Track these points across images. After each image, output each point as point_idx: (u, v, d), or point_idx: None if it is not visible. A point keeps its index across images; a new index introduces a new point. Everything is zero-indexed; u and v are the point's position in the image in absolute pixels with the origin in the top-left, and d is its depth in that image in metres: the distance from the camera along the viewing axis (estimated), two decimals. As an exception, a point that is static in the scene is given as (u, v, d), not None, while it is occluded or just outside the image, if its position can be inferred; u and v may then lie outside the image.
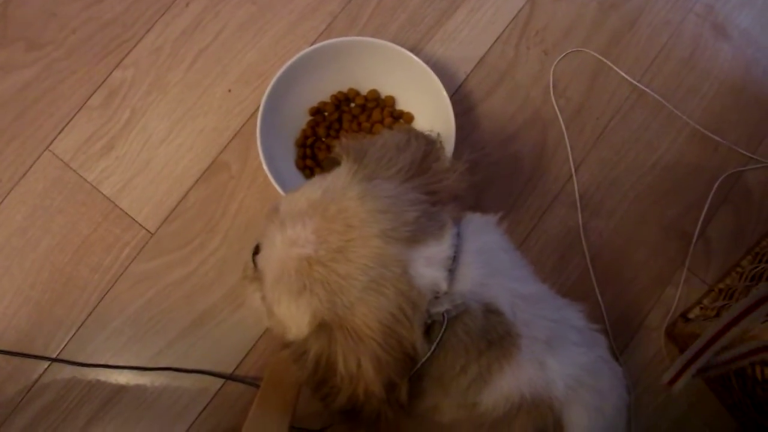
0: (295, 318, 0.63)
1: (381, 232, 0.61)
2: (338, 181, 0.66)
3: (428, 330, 0.62)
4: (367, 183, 0.65)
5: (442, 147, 0.75)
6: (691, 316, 1.14)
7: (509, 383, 0.67)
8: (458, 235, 0.66)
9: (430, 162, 0.70)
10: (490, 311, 0.65)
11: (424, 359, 0.62)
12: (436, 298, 0.62)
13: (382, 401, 0.61)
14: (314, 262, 0.61)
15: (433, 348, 0.62)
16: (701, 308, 1.14)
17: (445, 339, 0.62)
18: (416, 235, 0.63)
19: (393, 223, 0.62)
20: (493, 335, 0.65)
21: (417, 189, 0.67)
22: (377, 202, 0.63)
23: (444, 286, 0.62)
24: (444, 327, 0.61)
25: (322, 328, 0.61)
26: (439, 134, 0.77)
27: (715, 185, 1.19)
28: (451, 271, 0.63)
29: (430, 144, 0.73)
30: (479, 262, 0.66)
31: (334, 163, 0.72)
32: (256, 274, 0.73)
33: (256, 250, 0.71)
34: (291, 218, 0.63)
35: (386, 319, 0.60)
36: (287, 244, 0.62)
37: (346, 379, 0.60)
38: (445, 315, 0.61)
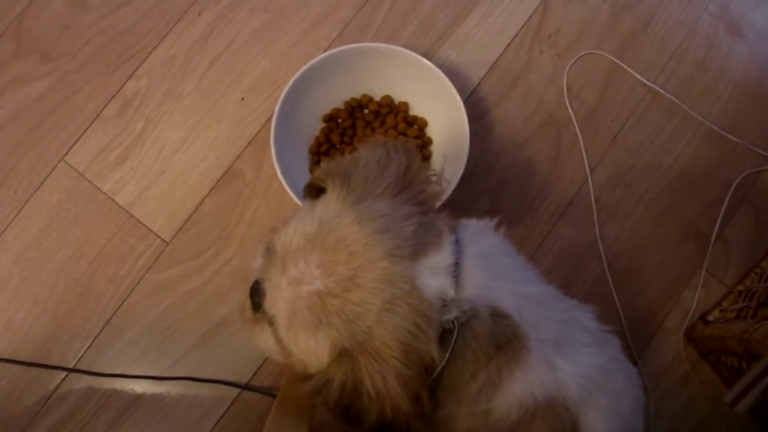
0: (315, 352, 0.63)
1: (385, 252, 0.61)
2: (329, 209, 0.65)
3: (441, 339, 0.62)
4: (359, 206, 0.64)
5: (418, 154, 0.74)
6: (710, 318, 1.12)
7: (521, 387, 0.66)
8: (457, 242, 0.66)
9: (413, 173, 0.70)
10: (498, 315, 0.64)
11: (440, 368, 0.61)
12: (444, 306, 0.62)
13: (411, 415, 0.60)
14: (325, 295, 0.60)
15: (447, 356, 0.62)
16: (721, 310, 1.13)
17: (455, 346, 0.62)
18: (418, 249, 0.63)
19: (394, 241, 0.62)
20: (502, 338, 0.65)
21: (407, 202, 0.67)
22: (375, 224, 0.62)
23: (451, 293, 0.62)
24: (455, 334, 0.61)
25: (344, 355, 0.61)
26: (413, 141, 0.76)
27: (733, 186, 1.18)
28: (455, 277, 0.63)
29: (409, 154, 0.72)
30: (481, 266, 0.66)
31: (315, 188, 0.72)
32: (257, 316, 0.72)
33: (253, 291, 0.70)
34: (291, 257, 0.63)
35: (404, 337, 0.59)
36: (293, 284, 0.62)
37: (374, 399, 0.60)
38: (455, 322, 0.61)
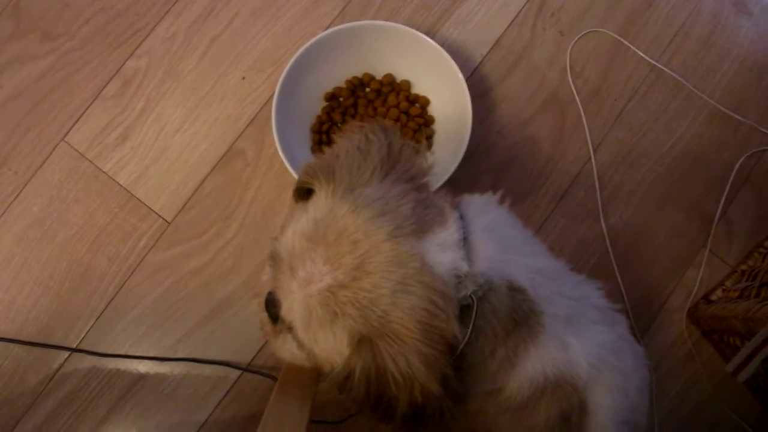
0: (335, 347, 0.62)
1: (388, 235, 0.60)
2: (322, 206, 0.64)
3: (461, 316, 0.61)
4: (350, 195, 0.63)
5: (397, 132, 0.73)
6: (713, 298, 1.12)
7: (534, 365, 0.66)
8: (461, 218, 0.66)
9: (396, 152, 0.69)
10: (513, 289, 0.64)
11: (462, 344, 0.61)
12: (459, 282, 0.61)
13: (441, 396, 0.59)
14: (337, 288, 0.60)
15: (469, 332, 0.61)
16: (723, 290, 1.13)
17: (476, 322, 0.61)
18: (420, 226, 0.62)
19: (394, 222, 0.61)
20: (519, 314, 0.64)
21: (398, 181, 0.66)
22: (371, 209, 0.62)
23: (465, 267, 0.62)
24: (475, 309, 0.61)
25: (362, 343, 0.60)
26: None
27: (737, 165, 1.17)
28: (466, 252, 0.63)
29: (388, 134, 0.71)
30: (490, 239, 0.65)
31: (303, 192, 0.71)
32: (277, 328, 0.72)
33: (268, 303, 0.70)
34: (297, 259, 0.62)
35: (422, 316, 0.59)
36: (304, 286, 0.61)
37: (401, 383, 0.59)
38: (474, 297, 0.61)
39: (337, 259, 0.60)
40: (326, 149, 0.73)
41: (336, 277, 0.60)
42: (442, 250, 0.62)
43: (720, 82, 1.21)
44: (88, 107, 1.15)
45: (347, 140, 0.71)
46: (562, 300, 0.69)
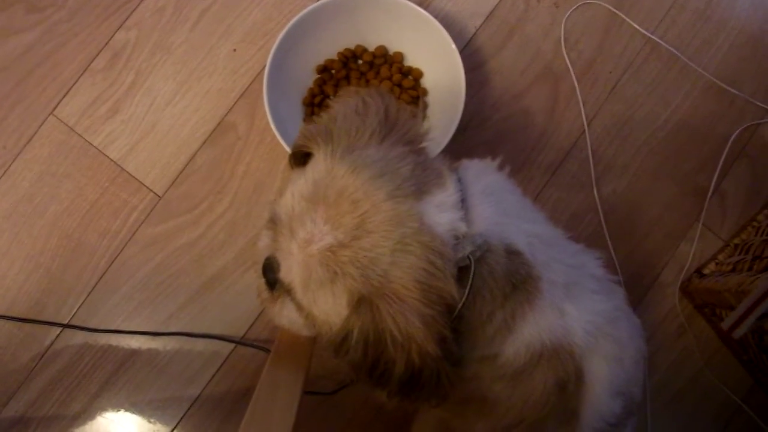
0: (334, 308, 0.62)
1: (387, 195, 0.60)
2: (321, 167, 0.64)
3: (458, 277, 0.61)
4: (349, 156, 0.63)
5: (393, 97, 0.73)
6: (706, 272, 1.12)
7: (530, 331, 0.66)
8: (460, 181, 0.66)
9: (393, 115, 0.69)
10: (511, 251, 0.64)
11: (460, 305, 0.60)
12: (457, 242, 0.61)
13: (438, 359, 0.59)
14: (337, 248, 0.59)
15: (467, 293, 0.61)
16: (716, 264, 1.13)
17: (473, 283, 0.61)
18: (420, 187, 0.62)
19: (394, 182, 0.61)
20: (517, 277, 0.64)
21: (396, 144, 0.66)
22: (370, 170, 0.61)
23: (463, 227, 0.61)
24: (472, 269, 0.61)
25: (362, 302, 0.60)
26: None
27: (731, 139, 1.17)
28: (464, 213, 0.63)
29: (384, 98, 0.71)
30: (488, 202, 0.65)
31: (301, 156, 0.71)
32: (275, 294, 0.71)
33: (266, 269, 0.70)
34: (297, 220, 0.62)
35: (421, 276, 0.58)
36: (304, 246, 0.61)
37: (399, 345, 0.59)
38: (471, 257, 0.60)
39: (338, 218, 0.60)
40: (323, 114, 0.72)
41: (336, 236, 0.60)
42: (440, 211, 0.62)
43: (715, 56, 1.20)
44: (77, 80, 1.13)
45: (344, 104, 0.71)
46: (560, 267, 0.69)
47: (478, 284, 0.62)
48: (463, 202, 0.63)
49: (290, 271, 0.64)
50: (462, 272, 0.61)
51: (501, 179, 0.72)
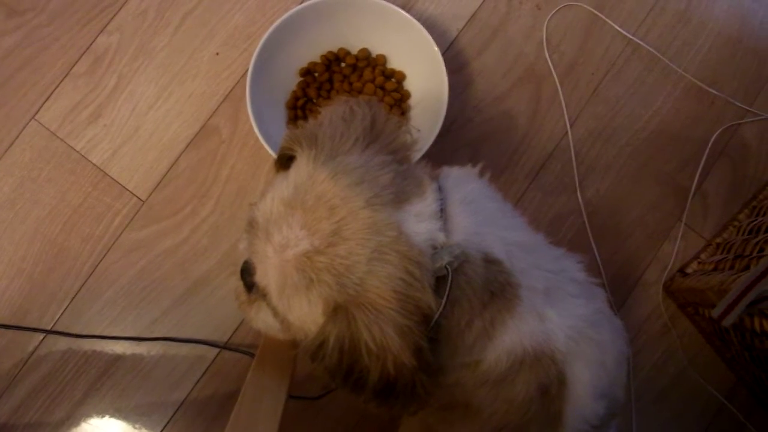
0: (310, 315, 0.61)
1: (365, 202, 0.60)
2: (303, 171, 0.64)
3: (436, 287, 0.61)
4: (331, 162, 0.63)
5: (382, 108, 0.73)
6: (688, 271, 1.13)
7: (511, 337, 0.66)
8: (440, 189, 0.66)
9: (380, 124, 0.69)
10: (489, 260, 0.64)
11: (437, 316, 0.60)
12: (435, 252, 0.61)
13: (414, 369, 0.59)
14: (313, 254, 0.59)
15: (444, 303, 0.60)
16: (699, 263, 1.14)
17: (450, 293, 0.61)
18: (399, 196, 0.62)
19: (373, 190, 0.61)
20: (495, 285, 0.64)
21: (379, 153, 0.66)
22: (350, 176, 0.61)
23: (441, 237, 0.61)
24: (450, 280, 0.60)
25: (338, 311, 0.59)
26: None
27: (712, 139, 1.18)
28: (443, 223, 0.62)
29: (373, 107, 0.71)
30: (467, 211, 0.65)
31: (285, 159, 0.71)
32: (251, 297, 0.71)
33: (244, 272, 0.70)
34: (273, 224, 0.62)
35: (398, 286, 0.58)
36: (280, 251, 0.61)
37: (374, 355, 0.58)
38: (448, 268, 0.60)
39: (314, 224, 0.60)
40: (311, 119, 0.72)
41: (312, 242, 0.59)
42: (419, 221, 0.61)
43: (695, 57, 1.21)
44: (59, 85, 1.12)
45: (332, 111, 0.70)
46: (540, 273, 0.69)
47: (456, 294, 0.61)
48: (443, 212, 0.63)
49: (266, 275, 0.63)
50: (440, 282, 0.61)
51: (481, 187, 0.72)
